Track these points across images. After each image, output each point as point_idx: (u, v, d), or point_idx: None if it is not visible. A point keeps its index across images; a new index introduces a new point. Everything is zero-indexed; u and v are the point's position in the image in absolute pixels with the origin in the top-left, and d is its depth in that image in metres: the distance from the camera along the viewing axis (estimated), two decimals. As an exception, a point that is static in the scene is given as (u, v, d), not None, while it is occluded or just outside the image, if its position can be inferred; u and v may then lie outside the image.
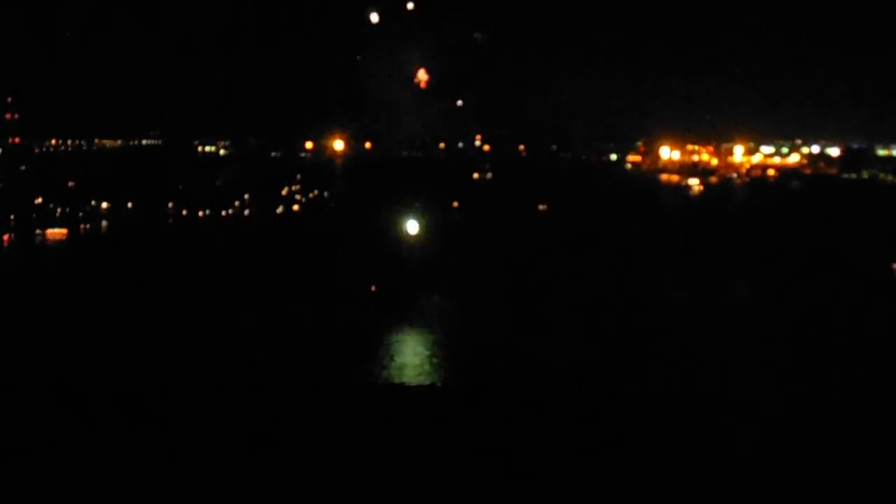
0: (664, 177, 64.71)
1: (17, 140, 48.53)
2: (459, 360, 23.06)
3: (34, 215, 45.71)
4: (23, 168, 48.86)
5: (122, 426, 15.99)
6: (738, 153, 64.81)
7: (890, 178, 58.62)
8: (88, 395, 17.70)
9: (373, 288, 32.18)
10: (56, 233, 45.06)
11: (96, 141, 54.16)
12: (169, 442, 15.66)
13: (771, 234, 45.86)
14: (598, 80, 57.01)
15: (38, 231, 44.85)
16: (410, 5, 46.78)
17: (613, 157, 65.88)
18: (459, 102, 54.25)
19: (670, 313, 29.44)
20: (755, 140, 64.04)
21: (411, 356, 23.75)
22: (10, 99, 47.80)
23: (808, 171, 63.03)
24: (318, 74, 52.76)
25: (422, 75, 54.36)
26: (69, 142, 52.88)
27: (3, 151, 47.99)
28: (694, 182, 63.40)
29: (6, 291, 31.67)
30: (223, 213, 50.88)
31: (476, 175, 58.67)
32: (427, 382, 21.75)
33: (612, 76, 57.23)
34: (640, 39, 53.74)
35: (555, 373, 21.93)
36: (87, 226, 46.90)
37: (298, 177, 55.35)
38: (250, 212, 51.71)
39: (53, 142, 52.11)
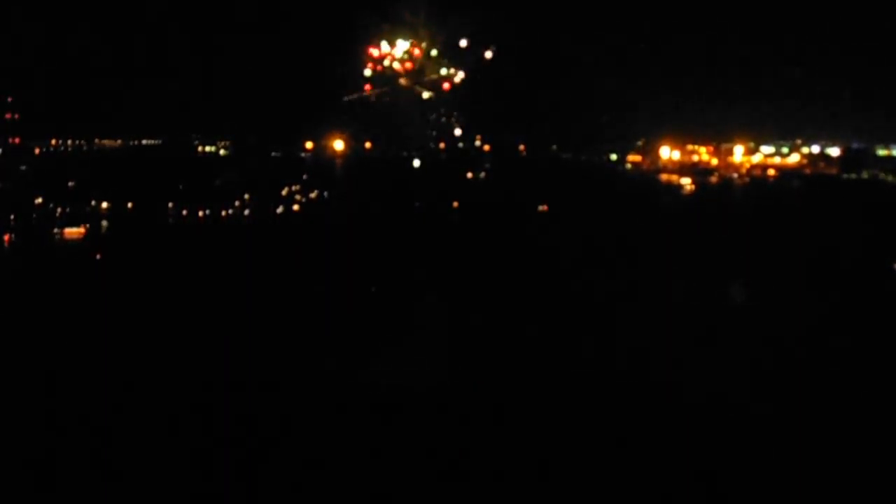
0: (664, 177, 64.76)
1: (16, 140, 48.51)
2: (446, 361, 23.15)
3: (34, 215, 45.70)
4: (23, 168, 48.82)
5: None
6: (738, 153, 64.83)
7: (890, 178, 58.59)
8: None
9: (372, 289, 32.30)
10: (74, 232, 45.08)
11: (96, 141, 54.13)
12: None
13: (769, 234, 45.83)
14: (599, 80, 56.99)
15: (55, 230, 44.89)
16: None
17: (613, 156, 65.92)
18: (460, 104, 54.28)
19: (668, 313, 29.42)
20: (755, 140, 64.03)
21: (401, 355, 23.80)
22: (10, 99, 47.80)
23: (808, 171, 63.03)
24: (318, 74, 52.77)
25: (424, 76, 54.34)
26: (69, 142, 52.84)
27: (2, 152, 47.96)
28: (686, 181, 63.48)
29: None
30: (223, 213, 50.92)
31: (469, 175, 58.70)
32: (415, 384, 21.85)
33: (613, 76, 57.21)
34: (640, 40, 53.75)
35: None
36: (88, 226, 46.87)
37: (305, 177, 55.32)
38: (250, 212, 51.72)
39: (53, 142, 52.09)
